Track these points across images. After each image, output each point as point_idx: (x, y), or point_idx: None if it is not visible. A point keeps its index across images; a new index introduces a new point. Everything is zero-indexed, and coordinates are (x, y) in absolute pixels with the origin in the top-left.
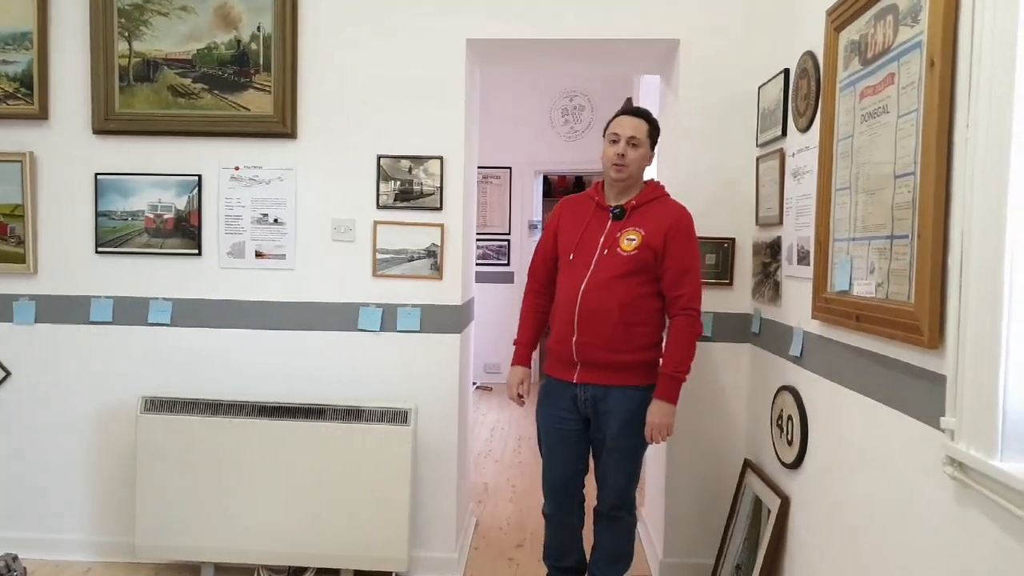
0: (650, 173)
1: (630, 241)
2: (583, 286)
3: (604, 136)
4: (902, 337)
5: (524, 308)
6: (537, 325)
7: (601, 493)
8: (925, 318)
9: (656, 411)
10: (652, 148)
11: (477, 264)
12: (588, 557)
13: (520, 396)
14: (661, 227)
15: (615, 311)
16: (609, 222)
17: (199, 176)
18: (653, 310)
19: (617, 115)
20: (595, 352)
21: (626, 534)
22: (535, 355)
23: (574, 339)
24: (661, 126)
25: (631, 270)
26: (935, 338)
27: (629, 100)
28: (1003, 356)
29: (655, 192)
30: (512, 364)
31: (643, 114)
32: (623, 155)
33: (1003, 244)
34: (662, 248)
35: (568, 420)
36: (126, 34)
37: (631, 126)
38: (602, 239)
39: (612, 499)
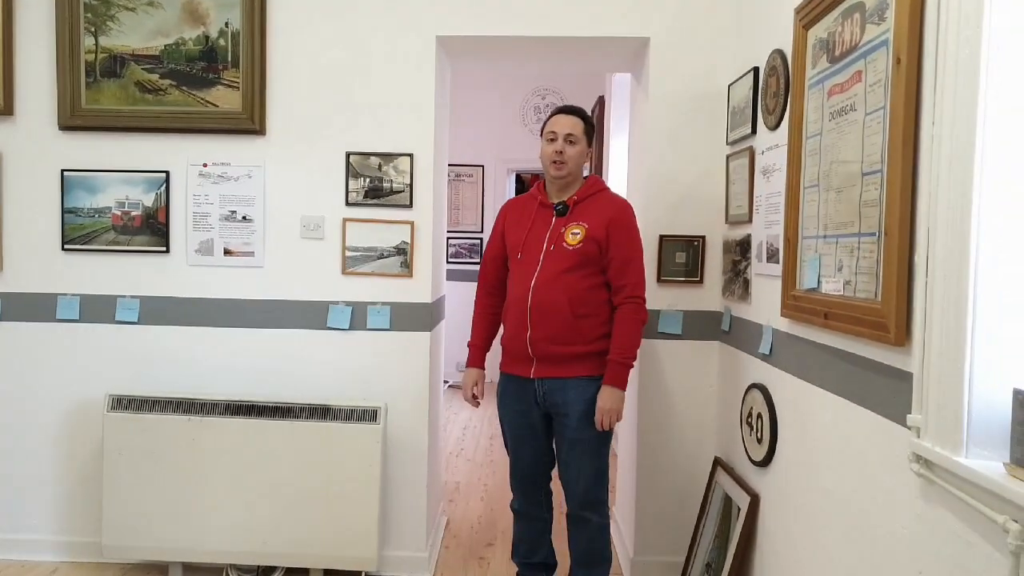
0: (620, 170)
1: (575, 235)
2: (533, 282)
3: (542, 135)
4: (869, 335)
5: (476, 310)
6: (490, 326)
7: (567, 493)
8: (892, 316)
9: (605, 396)
10: (589, 144)
11: (450, 262)
12: (557, 557)
13: (475, 397)
14: (603, 219)
15: (565, 304)
16: (553, 219)
17: (167, 173)
18: (601, 301)
19: (553, 114)
20: (549, 346)
21: (597, 537)
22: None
23: (528, 335)
24: (631, 124)
25: (577, 263)
26: (902, 335)
27: (601, 98)
28: (968, 353)
29: (596, 186)
30: (466, 366)
31: (578, 112)
32: (561, 152)
33: (968, 242)
34: (605, 239)
35: (529, 414)
36: (92, 29)
37: (567, 123)
38: (547, 235)
39: (578, 498)
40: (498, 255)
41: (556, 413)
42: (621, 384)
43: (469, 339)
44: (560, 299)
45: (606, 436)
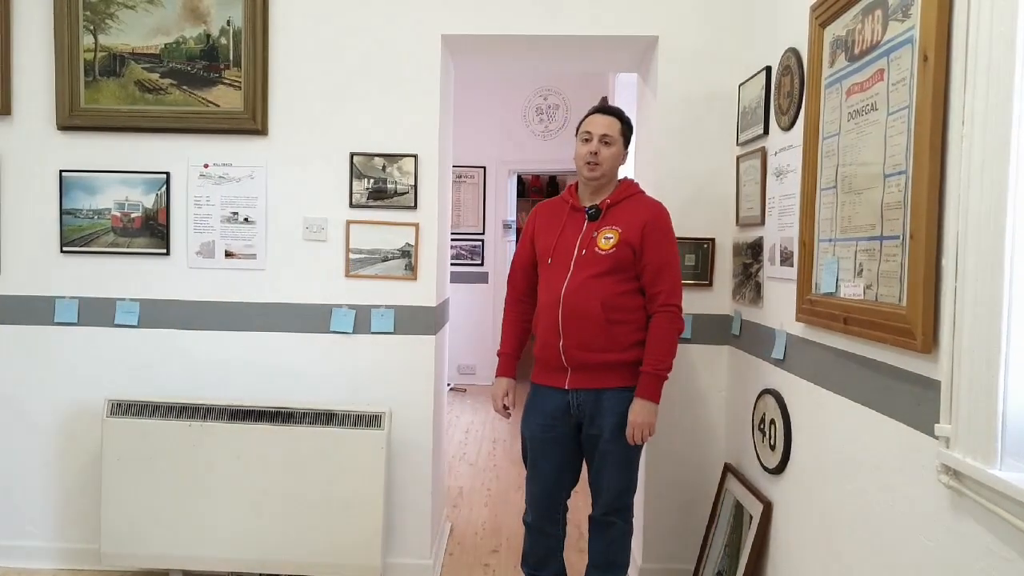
0: (627, 172)
1: (607, 240)
2: (564, 288)
3: (576, 135)
4: (893, 341)
5: (506, 318)
6: (520, 333)
7: (594, 498)
8: (918, 321)
9: (638, 410)
10: (626, 147)
11: (451, 264)
12: (568, 569)
13: (506, 407)
14: (638, 223)
15: (598, 310)
16: (585, 223)
17: (167, 173)
18: (636, 307)
19: (589, 113)
20: (583, 354)
21: (618, 541)
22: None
23: (560, 343)
24: (638, 125)
25: (610, 268)
26: (928, 342)
27: (604, 99)
28: (1003, 360)
29: (630, 190)
30: (496, 375)
31: (616, 112)
32: (596, 153)
33: (1003, 244)
34: (640, 244)
35: (557, 427)
36: (91, 27)
37: (604, 124)
38: (579, 240)
39: (605, 504)
40: (527, 261)
41: (589, 424)
42: (654, 397)
43: (499, 348)
44: (592, 304)
45: (639, 446)
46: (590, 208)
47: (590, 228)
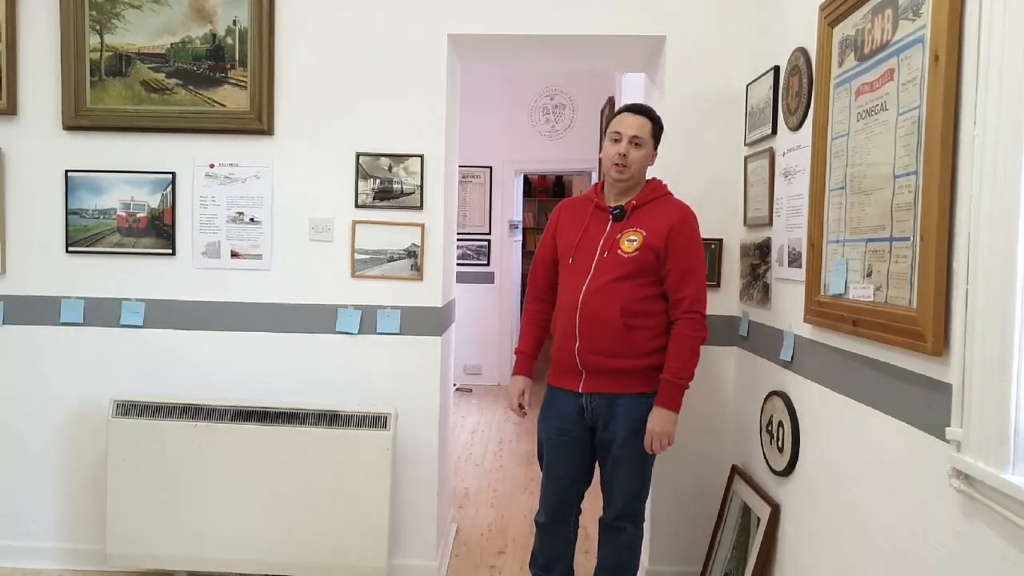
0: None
1: (631, 242)
2: (583, 290)
3: (605, 134)
4: (903, 343)
5: (525, 316)
6: (538, 332)
7: (606, 502)
8: (929, 323)
9: (656, 419)
10: (655, 148)
11: (457, 264)
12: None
13: (521, 407)
14: (663, 227)
15: (616, 314)
16: (609, 223)
17: (173, 174)
18: (657, 312)
19: (619, 112)
20: (599, 358)
21: (628, 547)
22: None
23: (576, 345)
24: None
25: (632, 272)
26: (939, 345)
27: (611, 99)
28: (1015, 362)
29: (657, 191)
30: (513, 373)
31: (647, 112)
32: (625, 155)
33: (1015, 245)
34: (664, 248)
35: (571, 431)
36: (97, 27)
37: (634, 124)
38: (602, 241)
39: (617, 509)
40: (548, 259)
41: (603, 429)
42: (674, 406)
43: (516, 346)
44: (611, 308)
45: (651, 453)
46: (615, 208)
47: (614, 229)
